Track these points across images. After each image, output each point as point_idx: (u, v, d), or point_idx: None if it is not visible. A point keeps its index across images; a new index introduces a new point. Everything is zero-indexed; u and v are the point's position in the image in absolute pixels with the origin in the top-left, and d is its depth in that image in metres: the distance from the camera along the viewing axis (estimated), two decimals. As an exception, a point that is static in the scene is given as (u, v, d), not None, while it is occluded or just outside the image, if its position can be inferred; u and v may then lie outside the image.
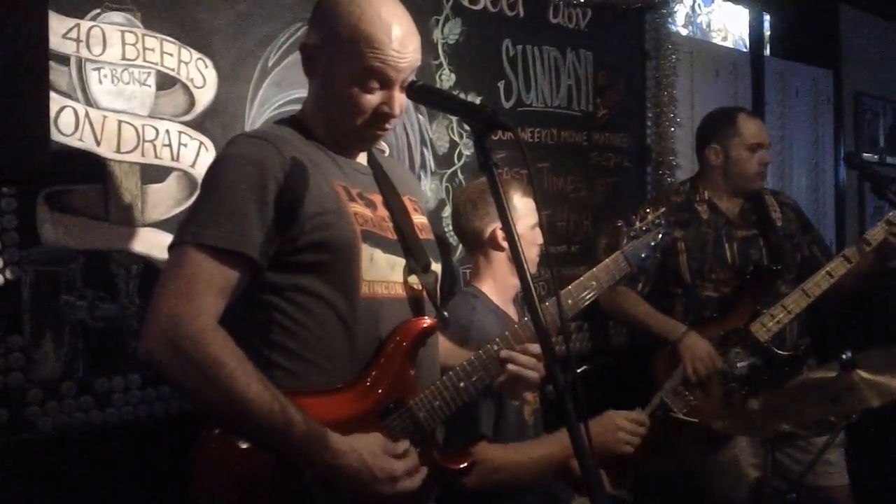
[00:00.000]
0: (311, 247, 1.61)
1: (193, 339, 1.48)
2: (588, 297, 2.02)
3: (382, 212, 1.75)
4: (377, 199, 1.77)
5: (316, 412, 1.56)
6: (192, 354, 1.48)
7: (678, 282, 3.08)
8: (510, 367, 1.79)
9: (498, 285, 2.35)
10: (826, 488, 2.99)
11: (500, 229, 2.30)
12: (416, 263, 1.75)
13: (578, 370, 1.77)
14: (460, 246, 2.72)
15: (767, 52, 4.75)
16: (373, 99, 1.66)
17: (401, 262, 1.73)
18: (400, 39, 1.64)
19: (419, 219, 1.86)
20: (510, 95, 3.11)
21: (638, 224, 2.09)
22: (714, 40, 4.50)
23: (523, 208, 2.32)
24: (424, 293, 1.76)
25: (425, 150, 2.80)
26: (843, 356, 2.25)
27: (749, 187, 3.13)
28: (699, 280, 3.05)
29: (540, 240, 2.37)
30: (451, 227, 2.79)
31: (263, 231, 1.56)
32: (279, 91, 2.36)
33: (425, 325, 1.71)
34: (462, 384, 1.73)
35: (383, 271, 1.69)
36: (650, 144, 3.68)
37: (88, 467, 2.04)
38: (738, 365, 2.91)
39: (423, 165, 2.79)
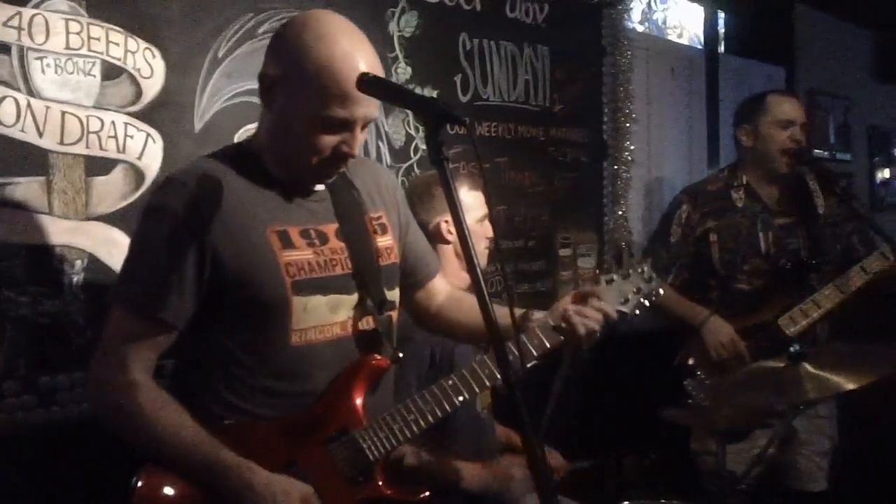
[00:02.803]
0: (238, 304, 1.61)
1: (113, 389, 1.58)
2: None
3: (336, 243, 1.71)
4: (330, 228, 1.72)
5: (256, 441, 1.60)
6: (112, 403, 1.59)
7: (712, 274, 3.04)
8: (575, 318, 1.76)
9: (449, 279, 2.33)
10: (795, 492, 3.02)
11: (445, 222, 2.29)
12: (372, 297, 1.73)
13: (528, 364, 1.75)
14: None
15: (722, 49, 4.80)
16: (332, 140, 1.61)
17: (348, 299, 1.71)
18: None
19: (382, 241, 1.80)
20: (467, 89, 3.09)
21: (618, 270, 1.93)
22: (670, 37, 4.53)
23: (471, 201, 2.32)
24: (378, 329, 1.74)
25: (381, 144, 2.78)
26: (792, 349, 2.28)
27: (781, 166, 3.01)
28: (732, 272, 3.00)
29: (489, 233, 2.36)
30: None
31: (180, 292, 1.58)
32: (230, 82, 2.32)
33: (374, 363, 1.72)
34: (411, 416, 1.72)
35: (320, 316, 1.67)
36: (606, 140, 3.69)
37: (32, 467, 1.99)
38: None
39: (379, 159, 2.76)
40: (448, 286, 2.05)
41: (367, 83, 1.52)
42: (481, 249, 2.35)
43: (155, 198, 1.64)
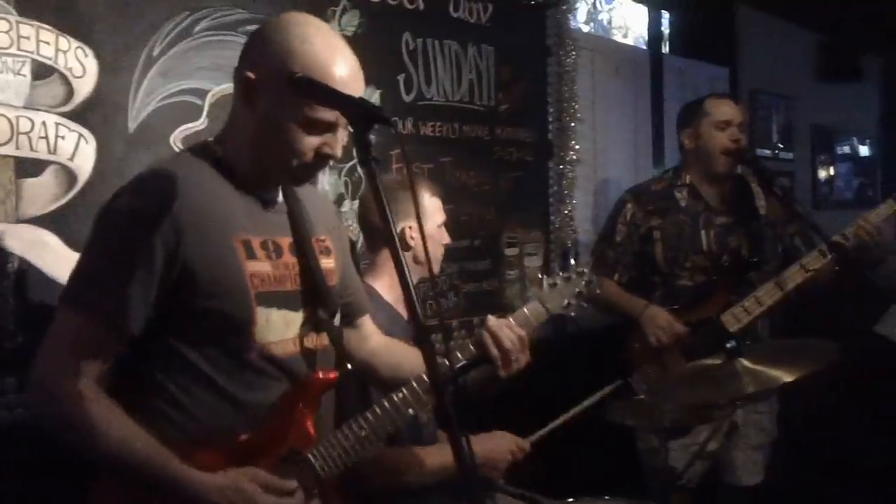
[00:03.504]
0: (202, 314, 1.58)
1: (63, 400, 1.51)
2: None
3: (288, 258, 1.70)
4: (285, 242, 1.71)
5: (205, 465, 1.56)
6: (62, 415, 1.52)
7: (655, 271, 3.09)
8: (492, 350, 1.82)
9: (394, 283, 2.33)
10: (731, 486, 3.08)
11: (409, 228, 2.29)
12: (324, 314, 1.73)
13: (458, 366, 1.77)
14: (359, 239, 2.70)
15: (667, 49, 4.86)
16: (315, 141, 1.60)
17: (297, 316, 1.70)
18: (349, 81, 1.59)
19: (326, 263, 1.79)
20: (411, 89, 3.09)
21: (560, 273, 2.02)
22: (615, 37, 4.57)
23: (432, 207, 2.34)
24: (326, 346, 1.74)
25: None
26: (728, 345, 2.32)
27: (721, 167, 3.07)
28: (675, 269, 3.05)
29: (447, 239, 2.41)
30: (350, 222, 2.77)
31: (144, 298, 1.53)
32: (166, 82, 2.29)
33: (322, 378, 1.70)
34: (363, 433, 1.72)
35: (278, 330, 1.66)
36: (552, 139, 3.72)
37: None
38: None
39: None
40: (379, 332, 2.04)
41: (297, 83, 1.52)
42: (439, 255, 2.40)
43: (120, 200, 1.57)
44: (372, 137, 2.89)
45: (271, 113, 1.59)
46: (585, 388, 3.05)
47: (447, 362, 1.70)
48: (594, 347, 3.37)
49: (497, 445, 2.34)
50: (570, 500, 2.46)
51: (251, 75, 1.59)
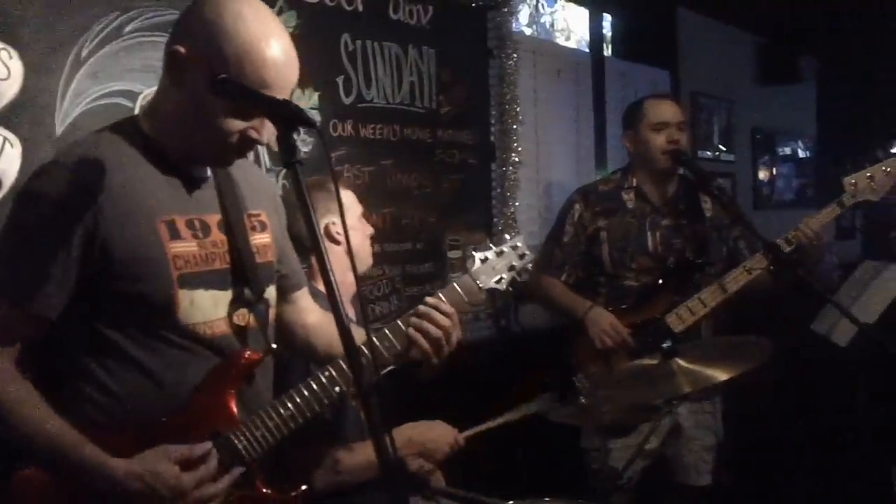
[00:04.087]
0: (123, 296, 1.55)
1: None
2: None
3: (217, 236, 1.67)
4: (213, 220, 1.68)
5: (121, 446, 1.53)
6: None
7: (601, 271, 3.11)
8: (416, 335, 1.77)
9: (339, 279, 2.32)
10: (681, 486, 3.12)
11: (333, 224, 2.28)
12: (250, 292, 1.70)
13: (384, 371, 1.75)
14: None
15: (608, 52, 4.90)
16: (242, 125, 1.56)
17: (224, 295, 1.67)
18: (282, 65, 1.55)
19: (259, 239, 1.77)
20: (350, 91, 3.07)
21: (493, 248, 1.97)
22: (557, 40, 4.60)
23: (348, 200, 2.32)
24: (255, 324, 1.71)
25: (259, 147, 2.72)
26: (664, 345, 2.34)
27: (661, 167, 3.10)
28: (620, 269, 3.08)
29: (370, 229, 2.40)
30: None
31: (60, 283, 1.51)
32: (95, 83, 2.25)
33: (245, 358, 1.67)
34: (286, 413, 1.68)
35: (205, 311, 1.63)
36: (494, 141, 3.73)
37: None
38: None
39: (257, 162, 2.71)
40: (317, 307, 2.01)
41: (219, 84, 1.49)
42: (368, 246, 2.39)
43: (36, 182, 1.54)
44: (308, 139, 2.88)
45: (198, 91, 1.54)
46: (529, 388, 3.06)
47: (375, 362, 1.68)
48: (538, 348, 3.39)
49: (439, 436, 2.35)
50: (510, 503, 2.46)
51: (181, 50, 1.55)
